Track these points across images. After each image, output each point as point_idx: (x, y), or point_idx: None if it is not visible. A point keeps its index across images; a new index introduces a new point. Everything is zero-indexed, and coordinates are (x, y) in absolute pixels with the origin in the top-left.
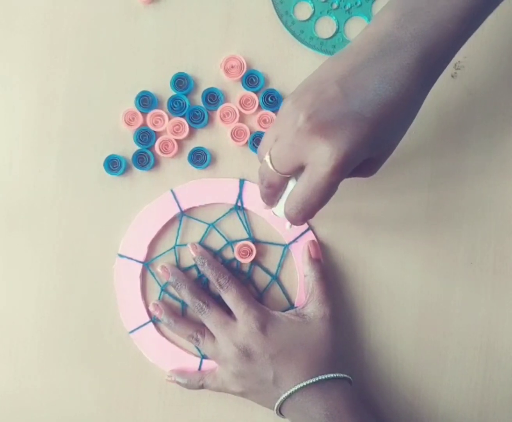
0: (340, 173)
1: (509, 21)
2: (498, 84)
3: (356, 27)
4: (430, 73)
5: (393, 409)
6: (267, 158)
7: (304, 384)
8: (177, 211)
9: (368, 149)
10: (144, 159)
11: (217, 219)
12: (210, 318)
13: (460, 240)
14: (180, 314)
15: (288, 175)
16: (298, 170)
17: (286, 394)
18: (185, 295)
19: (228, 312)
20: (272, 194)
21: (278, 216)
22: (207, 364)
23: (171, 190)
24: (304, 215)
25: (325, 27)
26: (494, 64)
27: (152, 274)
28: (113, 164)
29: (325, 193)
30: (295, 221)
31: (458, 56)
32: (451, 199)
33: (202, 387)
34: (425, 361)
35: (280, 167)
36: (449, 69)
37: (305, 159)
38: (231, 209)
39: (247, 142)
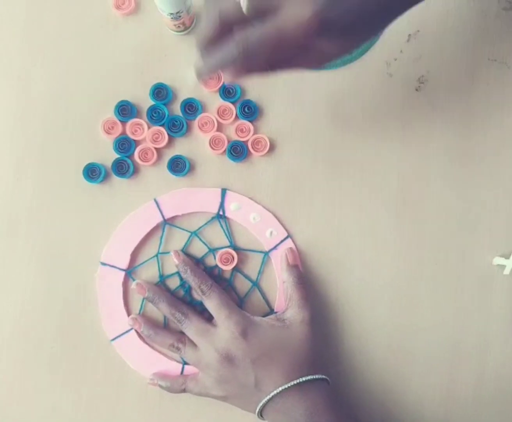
0: (310, 32)
1: (468, 39)
2: (458, 97)
3: None
4: None
5: (366, 405)
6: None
7: (285, 386)
8: (160, 219)
9: (349, 20)
10: (124, 167)
11: (199, 227)
12: (191, 327)
13: (426, 242)
14: (162, 323)
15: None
16: (261, 15)
17: (267, 398)
18: (163, 308)
19: (207, 319)
20: (211, 40)
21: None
22: (189, 370)
23: (154, 199)
24: (250, 55)
25: None
26: (455, 79)
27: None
28: (92, 173)
29: (285, 46)
30: (235, 62)
31: (422, 71)
32: (417, 205)
33: (184, 391)
34: (396, 359)
35: (253, 9)
36: (413, 83)
37: (282, 3)
38: (213, 217)
39: (225, 151)
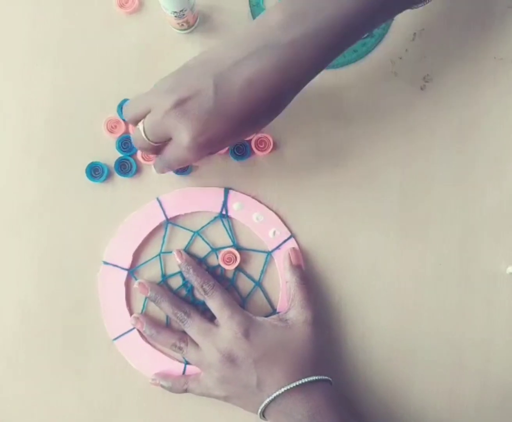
0: (194, 155)
1: (474, 38)
2: (464, 96)
3: None
4: (298, 78)
5: (369, 406)
6: (140, 127)
7: (288, 387)
8: (163, 218)
9: (222, 143)
10: (126, 166)
11: (202, 227)
12: (193, 327)
13: (429, 243)
14: (164, 323)
15: (158, 144)
16: (167, 141)
17: (270, 398)
18: (166, 308)
19: (209, 319)
20: (146, 153)
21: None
22: (191, 370)
23: (157, 199)
24: (167, 171)
25: None
26: (461, 78)
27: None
28: (95, 171)
29: (182, 164)
30: (159, 173)
31: (427, 70)
32: (420, 205)
33: (186, 391)
34: (399, 361)
35: (151, 137)
36: (418, 81)
37: (171, 135)
38: (216, 217)
39: (228, 150)
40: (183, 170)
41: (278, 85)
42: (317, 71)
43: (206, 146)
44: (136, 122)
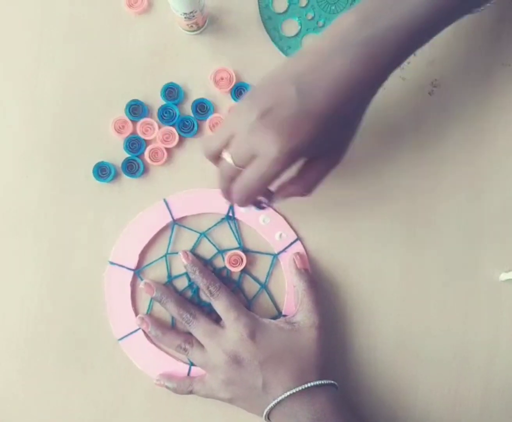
0: (283, 165)
1: (482, 44)
2: (472, 102)
3: None
4: (377, 76)
5: (374, 410)
6: (227, 157)
7: (294, 391)
8: (170, 219)
9: (316, 144)
10: (134, 166)
11: (209, 228)
12: (198, 328)
13: (437, 249)
14: (170, 324)
15: (243, 168)
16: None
17: (275, 401)
18: (171, 308)
19: (215, 320)
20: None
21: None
22: (196, 371)
23: (164, 200)
24: (248, 196)
25: None
26: (469, 83)
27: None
28: (102, 171)
29: (268, 181)
30: (241, 202)
31: (435, 75)
32: (428, 211)
33: (190, 392)
34: (404, 365)
35: (240, 161)
36: (427, 87)
37: (257, 151)
38: (222, 219)
39: None
40: (268, 199)
41: (359, 81)
42: (393, 68)
43: (295, 153)
44: (216, 156)
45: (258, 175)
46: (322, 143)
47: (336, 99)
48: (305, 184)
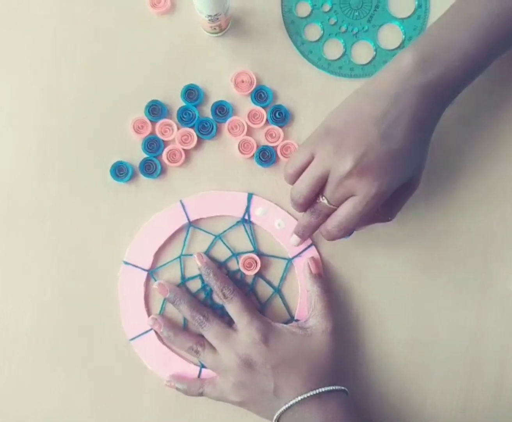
0: (379, 202)
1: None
2: (490, 113)
3: (362, 51)
4: (438, 110)
5: (384, 416)
6: (324, 200)
7: (305, 396)
8: (185, 221)
9: (402, 175)
10: (151, 167)
11: (224, 231)
12: (211, 331)
13: (448, 256)
14: (181, 325)
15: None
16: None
17: (286, 406)
18: (184, 310)
19: (228, 323)
20: (319, 223)
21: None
22: (206, 373)
23: (180, 201)
24: (345, 232)
25: (333, 49)
26: (487, 94)
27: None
28: (119, 171)
29: (365, 215)
30: (335, 236)
31: None
32: (444, 218)
33: (201, 394)
34: (415, 372)
35: (336, 202)
36: None
37: (354, 192)
38: (238, 222)
39: (253, 155)
40: (350, 232)
41: (425, 117)
42: (452, 99)
43: (390, 189)
44: (307, 200)
45: (356, 212)
46: (406, 175)
47: (411, 135)
48: (389, 211)
